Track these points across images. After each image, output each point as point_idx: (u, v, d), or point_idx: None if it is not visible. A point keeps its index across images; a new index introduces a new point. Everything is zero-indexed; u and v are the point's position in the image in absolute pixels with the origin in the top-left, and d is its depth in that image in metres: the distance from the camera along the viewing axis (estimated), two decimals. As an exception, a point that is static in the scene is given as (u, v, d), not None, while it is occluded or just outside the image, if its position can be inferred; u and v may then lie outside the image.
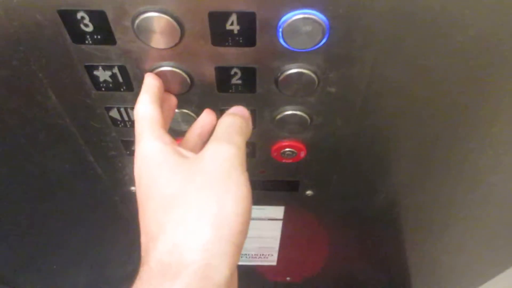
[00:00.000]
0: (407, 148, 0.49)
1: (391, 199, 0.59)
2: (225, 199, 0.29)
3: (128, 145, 0.48)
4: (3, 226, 0.65)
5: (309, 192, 0.58)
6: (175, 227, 0.28)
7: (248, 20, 0.33)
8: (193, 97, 0.41)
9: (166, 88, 0.39)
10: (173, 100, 0.40)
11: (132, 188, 0.57)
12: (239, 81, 0.39)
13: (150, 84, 0.36)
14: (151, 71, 0.38)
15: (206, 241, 0.27)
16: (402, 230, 0.66)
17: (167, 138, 0.33)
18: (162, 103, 0.36)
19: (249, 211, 0.30)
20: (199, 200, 0.28)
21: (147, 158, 0.31)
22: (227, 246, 0.27)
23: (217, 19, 0.33)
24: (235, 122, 0.34)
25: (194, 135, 0.39)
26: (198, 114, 0.42)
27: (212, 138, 0.33)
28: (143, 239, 0.30)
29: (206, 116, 0.39)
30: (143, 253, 0.29)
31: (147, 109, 0.34)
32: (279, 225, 0.66)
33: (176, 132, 0.45)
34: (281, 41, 0.35)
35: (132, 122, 0.44)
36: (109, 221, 0.65)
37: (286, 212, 0.63)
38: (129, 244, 0.70)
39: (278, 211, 0.63)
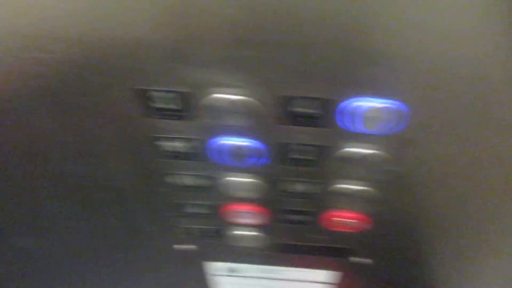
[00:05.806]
0: (471, 226, 0.46)
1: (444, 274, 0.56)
2: None
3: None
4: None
5: (363, 260, 0.55)
6: None
7: (326, 105, 0.33)
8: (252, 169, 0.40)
9: None
10: None
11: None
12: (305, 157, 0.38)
13: None
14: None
15: None
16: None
17: None
18: None
19: None
20: None
21: None
22: None
23: (293, 102, 0.33)
24: None
25: None
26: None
27: None
28: None
29: None
30: None
31: None
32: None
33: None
34: (358, 125, 0.34)
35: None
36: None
37: (332, 277, 0.61)
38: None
39: (323, 275, 0.61)
